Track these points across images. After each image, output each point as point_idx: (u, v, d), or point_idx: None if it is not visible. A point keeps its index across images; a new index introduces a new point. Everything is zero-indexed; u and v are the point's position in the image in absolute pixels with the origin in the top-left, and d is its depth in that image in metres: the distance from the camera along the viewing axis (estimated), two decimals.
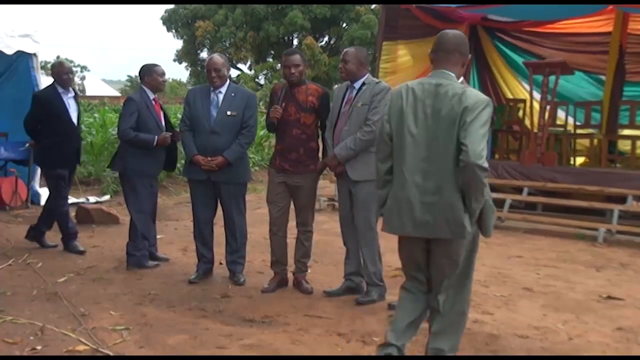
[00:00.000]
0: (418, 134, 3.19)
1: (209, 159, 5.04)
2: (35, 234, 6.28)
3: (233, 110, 5.10)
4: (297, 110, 4.84)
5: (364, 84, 4.75)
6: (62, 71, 6.03)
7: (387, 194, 3.35)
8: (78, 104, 6.28)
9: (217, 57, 5.24)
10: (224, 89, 5.16)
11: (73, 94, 6.13)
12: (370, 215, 4.76)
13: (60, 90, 6.00)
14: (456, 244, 3.23)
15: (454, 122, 3.11)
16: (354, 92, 4.77)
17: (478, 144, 3.05)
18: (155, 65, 5.75)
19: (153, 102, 5.68)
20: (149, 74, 5.67)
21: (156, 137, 5.52)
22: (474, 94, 3.18)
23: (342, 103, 4.82)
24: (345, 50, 4.88)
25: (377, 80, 4.88)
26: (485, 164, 3.05)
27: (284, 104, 4.82)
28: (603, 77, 9.89)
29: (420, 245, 3.33)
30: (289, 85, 4.90)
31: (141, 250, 5.65)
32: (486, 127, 3.14)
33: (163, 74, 5.73)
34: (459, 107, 3.11)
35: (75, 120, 6.08)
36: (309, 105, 4.87)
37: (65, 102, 6.01)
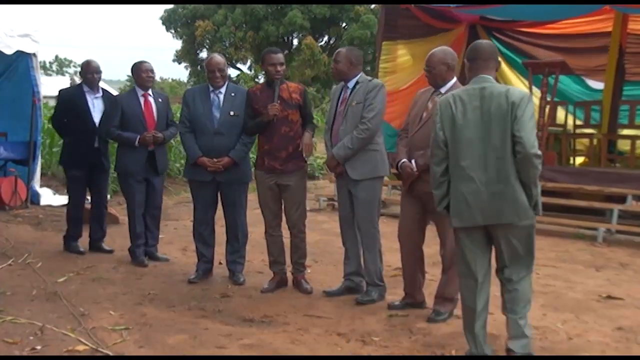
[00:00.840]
0: (472, 134, 3.49)
1: (215, 160, 5.04)
2: (97, 242, 6.24)
3: (235, 110, 5.09)
4: (284, 107, 4.83)
5: (357, 82, 4.76)
6: (87, 70, 5.97)
7: (443, 194, 3.65)
8: (107, 104, 6.02)
9: (219, 57, 5.25)
10: (223, 89, 5.16)
11: (101, 94, 6.00)
12: (373, 214, 4.77)
13: (86, 89, 5.95)
14: (518, 228, 3.51)
15: (504, 118, 3.43)
16: (348, 91, 4.78)
17: (531, 134, 3.40)
18: (141, 62, 5.79)
19: (142, 99, 5.70)
20: (135, 71, 5.76)
21: (138, 136, 5.59)
22: (517, 90, 3.55)
23: (337, 103, 4.83)
24: (337, 50, 4.90)
25: (369, 78, 4.87)
26: (540, 152, 3.42)
27: (279, 101, 4.81)
28: (591, 83, 9.93)
29: (483, 235, 3.61)
30: (271, 84, 4.88)
31: (132, 246, 5.86)
32: (534, 119, 3.51)
33: (147, 70, 5.72)
34: (507, 103, 3.43)
35: (97, 120, 5.94)
36: (294, 102, 4.88)
37: (90, 101, 5.92)
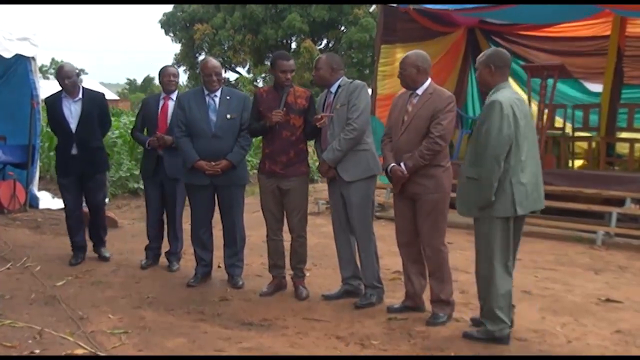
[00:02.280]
0: (528, 133, 3.97)
1: (213, 163, 5.04)
2: (95, 246, 6.14)
3: (232, 113, 5.09)
4: (287, 112, 4.82)
5: (339, 86, 4.78)
6: (58, 76, 5.76)
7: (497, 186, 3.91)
8: (91, 107, 5.77)
9: (215, 61, 5.25)
10: (218, 93, 5.14)
11: (80, 96, 5.75)
12: (367, 216, 4.77)
13: (63, 94, 5.79)
14: None
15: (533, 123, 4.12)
16: (332, 96, 4.80)
17: None
18: (166, 66, 5.86)
19: (161, 102, 5.72)
20: (159, 75, 5.81)
21: (148, 139, 5.62)
22: None
23: (323, 110, 4.83)
24: (317, 57, 4.94)
25: (350, 80, 4.89)
26: None
27: (284, 109, 4.80)
28: (589, 86, 9.96)
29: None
30: (279, 89, 4.87)
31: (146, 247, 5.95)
32: None
33: (169, 74, 5.74)
34: (529, 112, 4.08)
35: (73, 127, 5.71)
36: (299, 107, 4.87)
37: (66, 107, 5.75)
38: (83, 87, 5.89)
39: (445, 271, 4.45)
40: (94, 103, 5.87)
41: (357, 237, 4.81)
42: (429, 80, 4.44)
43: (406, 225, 4.54)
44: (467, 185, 4.00)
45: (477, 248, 4.06)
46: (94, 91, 6.11)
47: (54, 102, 5.84)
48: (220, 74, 5.14)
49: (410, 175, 4.34)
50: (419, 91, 4.41)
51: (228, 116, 5.08)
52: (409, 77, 4.40)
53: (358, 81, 4.86)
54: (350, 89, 4.71)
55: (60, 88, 5.78)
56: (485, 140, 3.85)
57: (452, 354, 3.83)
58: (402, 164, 4.36)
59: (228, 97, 5.15)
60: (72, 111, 5.77)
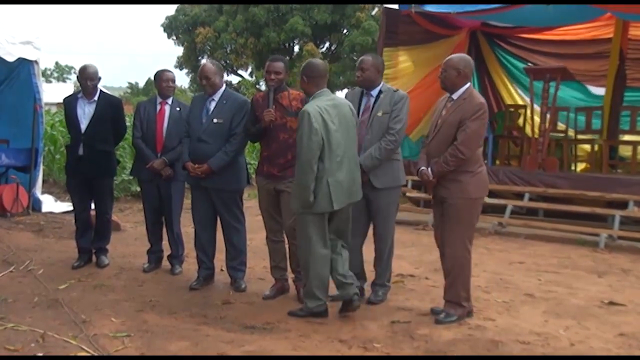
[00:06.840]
0: (346, 135, 4.42)
1: (197, 166, 5.05)
2: (96, 252, 6.05)
3: (220, 117, 5.07)
4: (283, 114, 4.82)
5: (380, 91, 4.78)
6: (81, 76, 5.74)
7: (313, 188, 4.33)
8: (104, 110, 5.73)
9: (209, 65, 5.20)
10: (217, 96, 5.12)
11: (96, 98, 5.71)
12: (392, 221, 4.88)
13: (80, 95, 5.80)
14: None
15: (353, 122, 4.54)
16: (372, 100, 4.79)
17: None
18: (163, 70, 5.76)
19: (158, 107, 5.67)
20: (156, 79, 5.75)
21: (153, 161, 5.57)
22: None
23: (359, 112, 4.82)
24: (362, 58, 4.87)
25: (394, 88, 4.90)
26: None
27: (274, 106, 4.81)
28: (592, 89, 9.97)
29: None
30: (271, 91, 4.89)
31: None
32: None
33: (168, 79, 5.68)
34: (350, 111, 4.55)
35: (84, 127, 5.67)
36: (294, 109, 4.84)
37: (80, 107, 5.73)
38: (101, 90, 5.86)
39: (459, 275, 4.44)
40: (109, 107, 5.82)
41: (382, 241, 4.89)
42: (468, 84, 4.43)
43: (439, 226, 4.64)
44: (294, 185, 4.41)
45: (298, 239, 4.48)
46: (112, 96, 6.11)
47: (70, 102, 5.84)
48: (210, 79, 5.07)
49: (438, 179, 4.42)
50: (455, 96, 4.42)
51: (215, 120, 5.06)
52: (449, 79, 4.42)
53: (402, 92, 4.90)
54: (395, 99, 4.74)
55: (68, 92, 5.81)
56: (299, 147, 4.24)
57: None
58: (429, 168, 4.45)
59: (224, 102, 5.13)
60: (85, 112, 5.74)
